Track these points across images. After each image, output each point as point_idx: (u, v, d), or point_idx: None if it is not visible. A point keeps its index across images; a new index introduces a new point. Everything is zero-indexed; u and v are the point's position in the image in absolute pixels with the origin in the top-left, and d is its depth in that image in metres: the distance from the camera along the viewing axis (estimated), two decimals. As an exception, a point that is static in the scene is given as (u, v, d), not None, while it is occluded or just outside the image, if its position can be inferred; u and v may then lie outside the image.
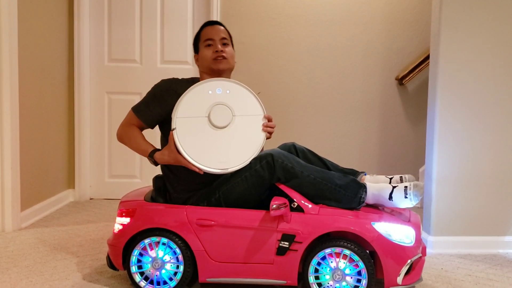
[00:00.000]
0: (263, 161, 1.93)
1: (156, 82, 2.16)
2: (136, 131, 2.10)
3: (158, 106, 2.07)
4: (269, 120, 2.04)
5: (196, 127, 1.96)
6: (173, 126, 1.96)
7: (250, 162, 1.96)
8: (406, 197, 1.90)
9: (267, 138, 2.02)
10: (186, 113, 1.97)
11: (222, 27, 2.20)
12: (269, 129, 2.02)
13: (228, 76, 2.18)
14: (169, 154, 1.97)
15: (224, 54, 2.13)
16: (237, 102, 2.00)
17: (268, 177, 1.93)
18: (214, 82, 2.02)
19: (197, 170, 1.93)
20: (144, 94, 2.16)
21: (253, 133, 1.99)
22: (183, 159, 1.93)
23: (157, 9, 3.77)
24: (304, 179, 1.93)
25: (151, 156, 2.03)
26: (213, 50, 2.13)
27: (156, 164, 2.04)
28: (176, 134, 1.94)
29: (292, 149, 2.17)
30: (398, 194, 1.91)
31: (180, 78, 2.18)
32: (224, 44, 2.16)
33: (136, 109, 2.11)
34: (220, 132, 1.97)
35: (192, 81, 2.14)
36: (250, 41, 3.81)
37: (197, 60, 2.23)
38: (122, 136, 2.13)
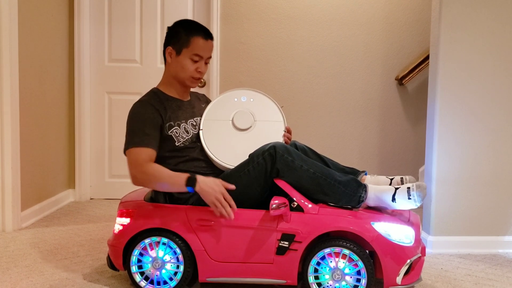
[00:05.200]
0: (265, 153, 1.93)
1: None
2: (158, 165, 1.98)
3: (152, 128, 2.02)
4: (288, 131, 2.18)
5: (220, 129, 2.15)
6: (201, 127, 2.14)
7: (253, 156, 1.96)
8: (409, 198, 1.89)
9: None
10: (212, 116, 2.17)
11: (213, 43, 2.15)
12: (285, 139, 2.14)
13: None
14: (216, 182, 1.91)
15: (202, 76, 2.15)
16: (260, 109, 2.19)
17: (270, 168, 1.93)
18: (240, 91, 2.22)
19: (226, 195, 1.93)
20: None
21: (272, 137, 2.12)
22: (223, 183, 1.92)
23: (157, 9, 3.77)
24: (303, 173, 1.92)
25: (191, 179, 1.91)
26: (196, 68, 2.10)
27: (194, 184, 1.90)
28: (202, 134, 2.12)
29: (292, 147, 2.17)
30: (401, 196, 1.90)
31: (144, 97, 2.12)
32: (206, 63, 2.14)
33: (138, 142, 1.98)
34: (242, 134, 2.15)
35: (155, 93, 2.13)
36: (250, 41, 3.81)
37: (169, 55, 2.11)
38: (145, 177, 1.95)
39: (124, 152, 2.04)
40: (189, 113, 2.17)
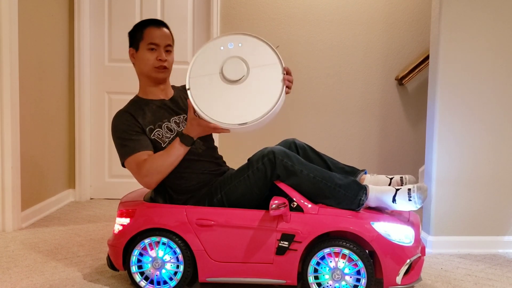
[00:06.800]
0: (264, 158, 1.93)
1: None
2: (152, 156, 1.99)
3: (137, 132, 2.03)
4: (288, 72, 1.93)
5: (210, 85, 1.89)
6: (187, 86, 1.91)
7: (252, 161, 1.96)
8: (410, 200, 1.88)
9: (286, 93, 1.91)
10: (198, 72, 1.91)
11: (168, 31, 2.13)
12: (287, 82, 1.91)
13: (166, 83, 2.18)
14: (191, 122, 1.92)
15: (166, 64, 2.10)
16: (251, 54, 1.92)
17: (270, 174, 1.93)
18: (225, 38, 1.95)
19: (217, 127, 1.89)
20: None
21: (270, 84, 1.89)
22: (205, 122, 1.88)
23: (157, 9, 3.77)
24: (303, 178, 1.92)
25: (182, 135, 1.95)
26: (156, 57, 2.08)
27: (192, 141, 1.95)
28: (191, 94, 1.89)
29: (292, 145, 2.16)
30: (401, 197, 1.89)
31: (123, 107, 2.13)
32: (168, 51, 2.11)
33: (132, 150, 2.00)
34: (236, 87, 1.89)
35: (135, 101, 2.14)
36: (250, 41, 3.80)
37: (132, 56, 2.14)
38: (156, 176, 1.97)
39: (123, 165, 2.06)
40: (173, 111, 2.15)
